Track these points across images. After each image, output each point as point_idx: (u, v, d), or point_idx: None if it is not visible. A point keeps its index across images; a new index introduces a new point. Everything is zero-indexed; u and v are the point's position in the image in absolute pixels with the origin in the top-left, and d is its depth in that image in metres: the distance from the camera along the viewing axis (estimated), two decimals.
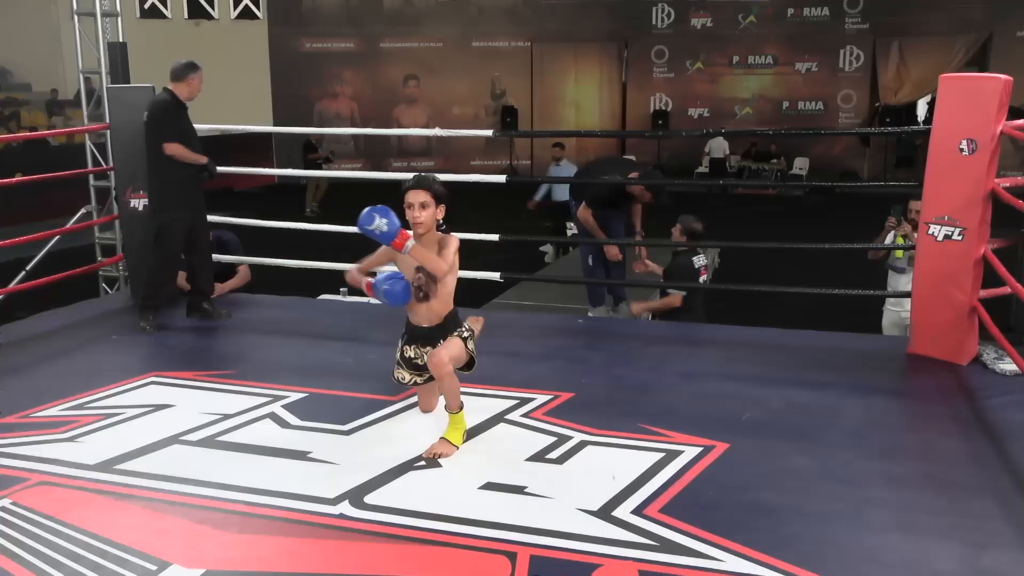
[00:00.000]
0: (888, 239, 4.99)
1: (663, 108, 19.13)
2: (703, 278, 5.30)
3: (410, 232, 3.14)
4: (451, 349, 3.22)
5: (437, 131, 4.80)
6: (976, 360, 4.08)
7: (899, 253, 4.85)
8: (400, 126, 18.92)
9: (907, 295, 4.42)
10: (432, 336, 3.28)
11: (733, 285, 7.30)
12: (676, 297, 5.27)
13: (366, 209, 3.08)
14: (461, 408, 3.23)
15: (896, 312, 5.07)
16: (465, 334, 3.30)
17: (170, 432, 3.41)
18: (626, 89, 19.59)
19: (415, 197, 3.17)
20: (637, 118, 19.25)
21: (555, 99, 19.72)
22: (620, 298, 5.88)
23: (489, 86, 19.85)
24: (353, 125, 19.25)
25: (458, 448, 3.20)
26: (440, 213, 3.23)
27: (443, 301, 3.26)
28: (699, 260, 5.27)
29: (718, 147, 17.59)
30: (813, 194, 16.34)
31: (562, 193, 8.22)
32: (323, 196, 14.40)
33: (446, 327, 3.28)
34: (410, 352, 3.34)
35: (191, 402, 3.75)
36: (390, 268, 3.40)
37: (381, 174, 4.19)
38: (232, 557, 2.55)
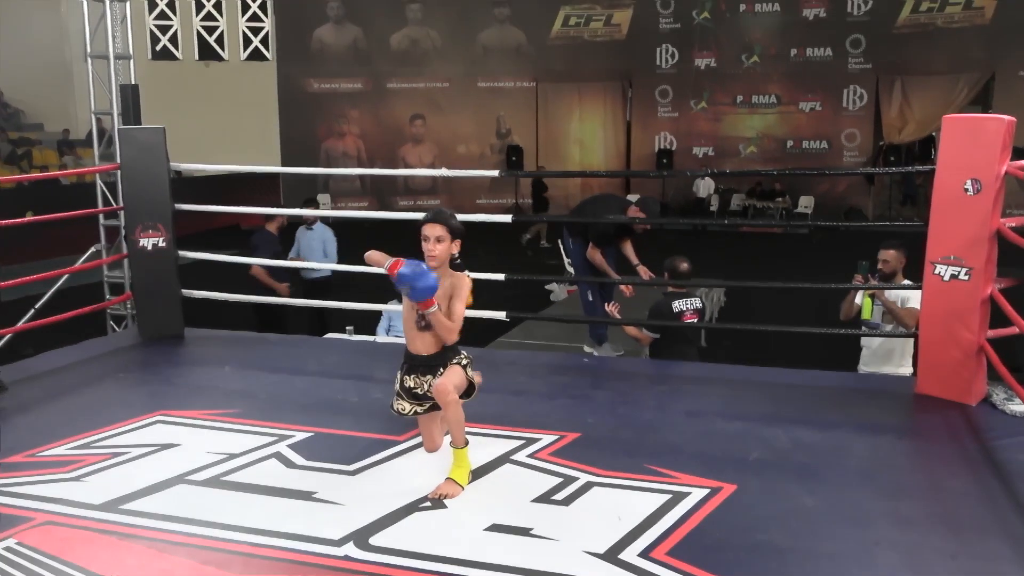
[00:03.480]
0: (857, 298, 4.98)
1: (667, 147, 19.28)
2: (690, 321, 5.28)
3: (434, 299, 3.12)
4: (453, 377, 3.21)
5: (443, 171, 4.84)
6: (985, 400, 4.06)
7: (867, 313, 4.84)
8: (406, 165, 19.10)
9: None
10: (431, 364, 3.25)
11: (713, 324, 7.31)
12: (645, 336, 5.37)
13: (410, 265, 3.06)
14: (466, 444, 3.23)
15: (871, 371, 5.04)
16: (464, 361, 3.29)
17: (176, 472, 3.40)
18: (630, 128, 19.76)
19: (431, 231, 3.19)
20: (641, 157, 19.40)
21: (560, 138, 19.90)
22: (604, 339, 5.92)
23: (494, 125, 20.04)
24: (360, 164, 19.43)
25: (464, 488, 3.19)
26: (455, 248, 3.25)
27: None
28: (681, 304, 5.27)
29: (704, 187, 17.77)
30: (818, 232, 16.38)
31: (313, 256, 7.51)
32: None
33: (445, 355, 3.27)
34: (409, 382, 3.31)
35: (197, 441, 3.75)
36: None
37: (387, 213, 4.22)
38: None
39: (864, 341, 5.23)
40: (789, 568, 2.64)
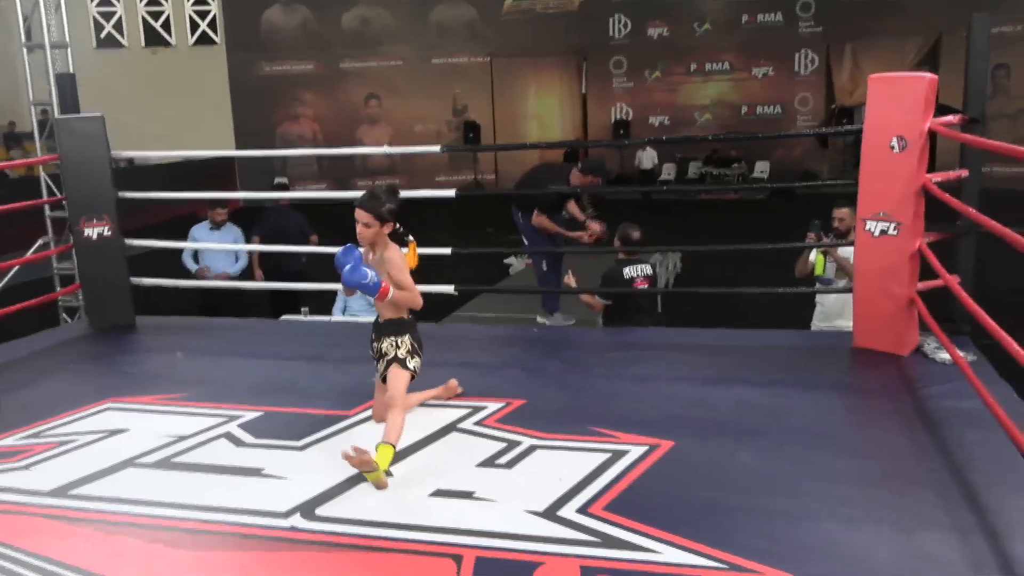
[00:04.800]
0: (811, 256, 5.12)
1: (624, 118, 19.35)
2: (641, 287, 5.37)
3: (388, 283, 3.32)
4: (398, 384, 3.35)
5: (386, 148, 4.88)
6: (917, 350, 4.19)
7: (819, 269, 4.98)
8: (363, 146, 18.98)
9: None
10: (383, 330, 3.46)
11: (664, 290, 7.41)
12: (597, 302, 5.47)
13: (350, 265, 3.24)
14: (394, 448, 3.16)
15: (825, 329, 5.19)
16: (402, 354, 3.40)
17: (125, 456, 3.43)
18: (586, 101, 19.79)
19: (359, 216, 3.35)
20: (599, 129, 19.47)
21: (516, 113, 19.90)
22: (556, 309, 6.01)
23: (450, 103, 19.97)
24: (316, 147, 19.30)
25: (380, 472, 3.06)
26: (386, 230, 3.37)
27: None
28: (632, 271, 5.36)
29: (647, 158, 17.90)
30: (775, 197, 16.57)
31: (221, 264, 6.97)
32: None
33: (399, 325, 3.43)
34: (374, 343, 3.51)
35: (147, 426, 3.77)
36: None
37: (344, 193, 4.22)
38: (184, 573, 2.58)
39: (818, 298, 5.38)
40: (722, 520, 2.74)
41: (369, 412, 3.74)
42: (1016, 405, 3.36)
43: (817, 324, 5.42)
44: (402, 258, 3.43)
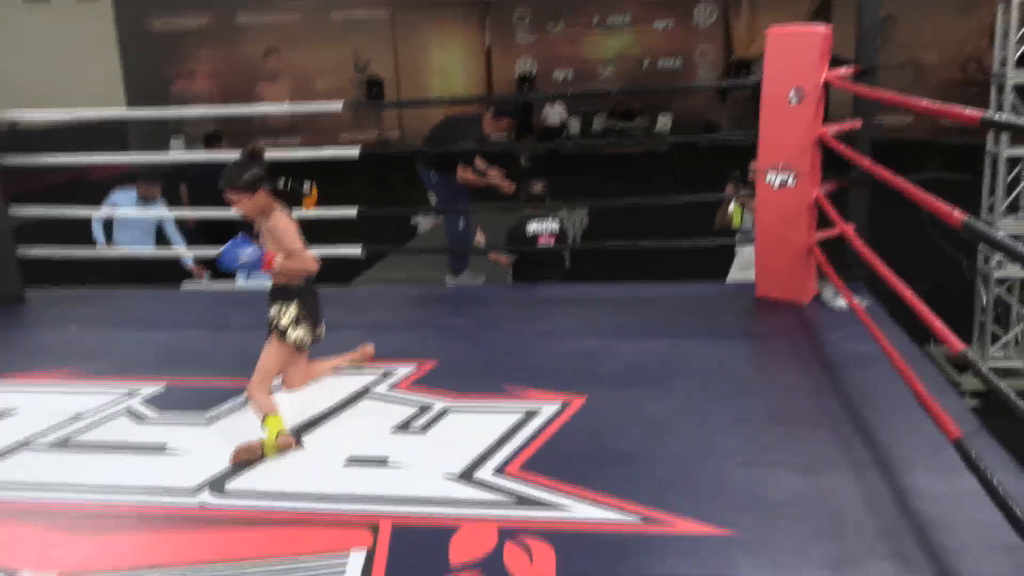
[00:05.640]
0: (730, 208, 5.21)
1: (528, 73, 19.25)
2: (544, 243, 5.38)
3: (273, 252, 3.30)
4: (263, 357, 3.34)
5: (285, 106, 4.71)
6: (817, 299, 4.33)
7: (737, 221, 5.08)
8: (263, 103, 18.38)
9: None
10: (272, 296, 3.44)
11: (568, 246, 7.41)
12: (503, 257, 5.56)
13: (226, 247, 3.23)
14: (272, 414, 3.12)
15: (745, 277, 5.30)
16: (284, 322, 3.36)
17: (17, 438, 3.28)
18: (491, 54, 19.60)
19: (225, 198, 3.28)
20: (503, 83, 19.33)
21: (420, 68, 19.58)
22: (462, 270, 5.97)
23: (352, 58, 19.50)
24: (213, 105, 18.60)
25: (273, 443, 3.01)
26: (259, 200, 3.27)
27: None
28: (536, 225, 5.36)
29: (554, 114, 17.90)
30: (678, 149, 16.79)
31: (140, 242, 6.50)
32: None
33: (284, 291, 3.40)
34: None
35: (39, 405, 3.60)
36: None
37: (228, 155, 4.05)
38: (86, 558, 2.49)
39: (737, 249, 5.47)
40: (631, 469, 2.79)
41: (276, 382, 3.65)
42: (909, 348, 3.52)
43: (734, 275, 5.52)
44: (288, 223, 3.35)
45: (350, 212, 4.89)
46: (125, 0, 18.13)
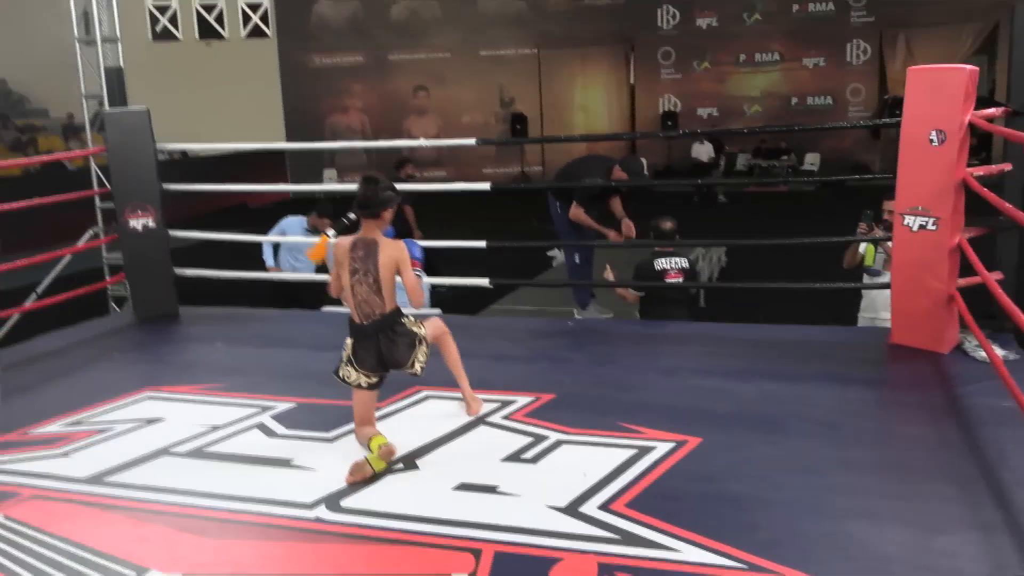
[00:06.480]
0: (861, 248, 5.02)
1: (672, 109, 19.15)
2: (673, 279, 5.32)
3: None
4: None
5: (422, 141, 4.92)
6: (957, 348, 4.11)
7: (869, 260, 4.90)
8: (411, 137, 19.05)
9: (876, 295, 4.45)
10: None
11: (700, 284, 7.28)
12: (630, 294, 5.48)
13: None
14: (373, 436, 3.25)
15: (870, 320, 5.10)
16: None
17: (160, 445, 3.52)
18: (634, 91, 19.64)
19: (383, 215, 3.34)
20: (646, 120, 19.29)
21: (563, 104, 19.80)
22: (587, 303, 5.99)
23: (498, 94, 19.96)
24: (364, 138, 19.43)
25: (377, 458, 3.14)
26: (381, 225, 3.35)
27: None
28: (664, 263, 5.31)
29: (705, 152, 17.63)
30: (825, 189, 16.27)
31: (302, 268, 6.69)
32: None
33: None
34: None
35: (183, 415, 3.86)
36: None
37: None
38: (209, 561, 2.65)
39: (864, 291, 5.26)
40: (741, 515, 2.72)
41: (402, 403, 3.79)
42: None
43: (863, 315, 5.32)
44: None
45: (479, 244, 5.02)
46: (288, 39, 19.29)
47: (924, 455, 3.08)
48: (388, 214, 3.31)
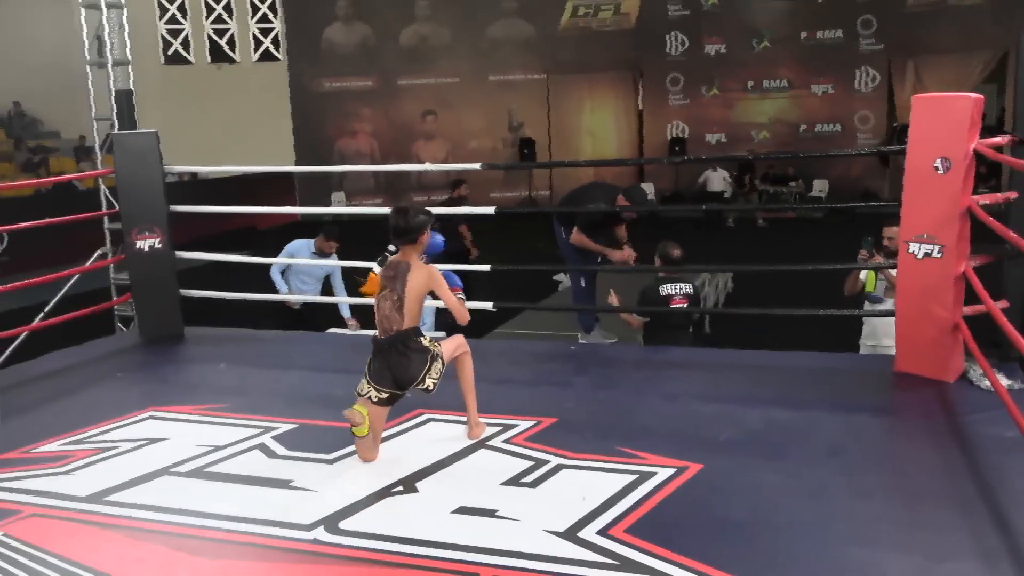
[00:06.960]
0: (862, 274, 5.02)
1: (680, 135, 19.21)
2: (677, 305, 5.31)
3: None
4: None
5: (428, 166, 4.93)
6: (963, 377, 4.08)
7: (870, 287, 4.90)
8: (419, 161, 19.14)
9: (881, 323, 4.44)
10: None
11: (704, 310, 7.26)
12: (634, 319, 5.47)
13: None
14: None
15: (871, 347, 5.08)
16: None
17: (161, 464, 3.52)
18: (642, 117, 19.71)
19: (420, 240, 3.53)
20: (654, 145, 19.34)
21: (572, 129, 19.89)
22: (591, 327, 5.99)
23: (506, 118, 20.06)
24: (373, 162, 19.52)
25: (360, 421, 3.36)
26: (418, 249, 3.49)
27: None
28: (669, 288, 5.30)
29: (716, 180, 17.61)
30: (834, 215, 16.26)
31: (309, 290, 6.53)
32: None
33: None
34: None
35: (185, 435, 3.86)
36: None
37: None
38: None
39: (865, 319, 5.26)
40: (740, 541, 2.70)
41: (404, 426, 3.79)
42: None
43: (864, 343, 5.31)
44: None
45: (483, 268, 5.02)
46: (299, 63, 19.44)
47: (928, 483, 3.06)
48: (424, 236, 3.48)
